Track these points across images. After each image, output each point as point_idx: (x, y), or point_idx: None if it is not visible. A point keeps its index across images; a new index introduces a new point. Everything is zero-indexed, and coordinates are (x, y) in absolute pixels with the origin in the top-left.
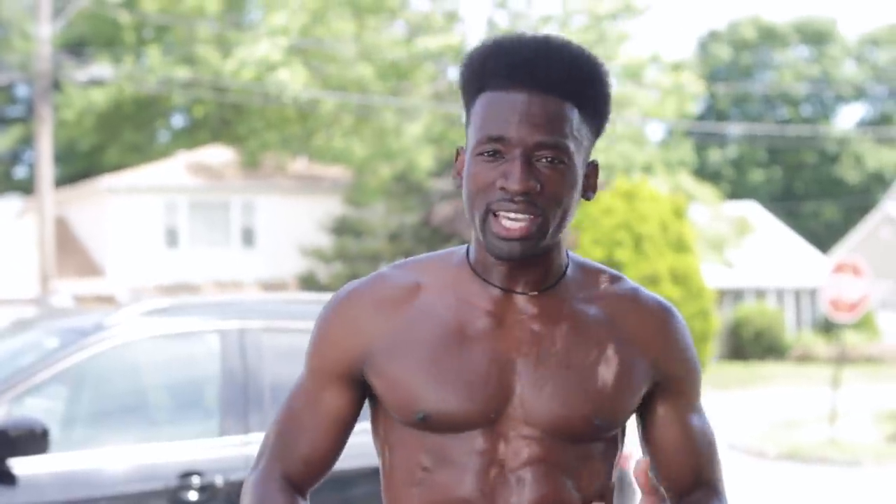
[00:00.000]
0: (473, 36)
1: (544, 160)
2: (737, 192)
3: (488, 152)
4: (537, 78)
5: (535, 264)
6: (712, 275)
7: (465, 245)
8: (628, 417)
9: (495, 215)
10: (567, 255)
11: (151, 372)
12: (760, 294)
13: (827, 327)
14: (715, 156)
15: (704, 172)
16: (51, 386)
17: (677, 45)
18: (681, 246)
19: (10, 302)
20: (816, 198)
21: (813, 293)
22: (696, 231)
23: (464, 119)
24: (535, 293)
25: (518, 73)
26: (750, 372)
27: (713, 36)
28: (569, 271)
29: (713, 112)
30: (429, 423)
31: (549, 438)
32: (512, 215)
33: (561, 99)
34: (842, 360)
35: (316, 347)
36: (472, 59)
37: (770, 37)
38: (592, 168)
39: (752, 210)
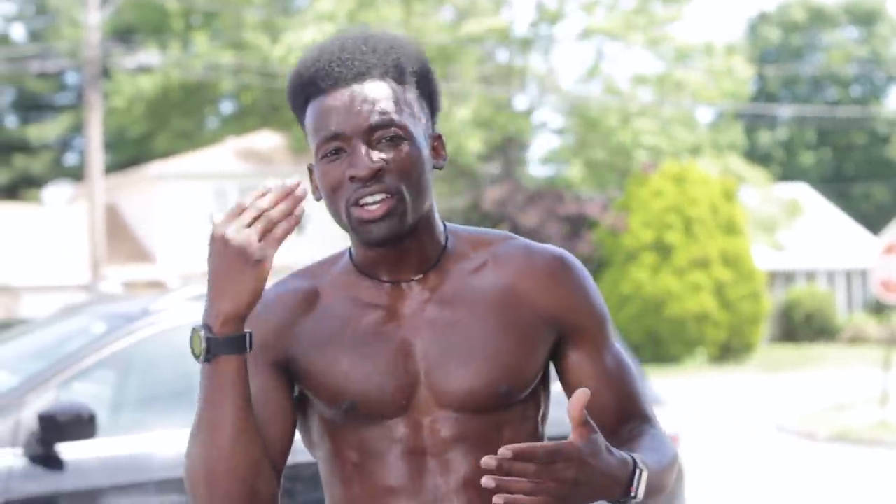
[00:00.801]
0: (521, 19)
1: (384, 141)
2: (787, 173)
3: (331, 152)
4: (348, 70)
5: (410, 248)
6: (763, 257)
7: (348, 248)
8: (536, 377)
9: (357, 205)
10: (445, 228)
11: None
12: (811, 276)
13: (878, 309)
14: (765, 138)
15: (754, 155)
16: (98, 371)
17: (727, 27)
18: (731, 228)
19: (62, 288)
20: (867, 179)
21: (864, 274)
22: (747, 213)
23: (306, 139)
24: (420, 276)
25: (330, 74)
26: (800, 354)
27: (763, 18)
28: (450, 245)
29: (763, 94)
30: (353, 414)
31: (462, 415)
32: (370, 199)
33: (378, 81)
34: (893, 341)
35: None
36: (290, 80)
37: (819, 18)
38: (437, 138)
39: (802, 192)
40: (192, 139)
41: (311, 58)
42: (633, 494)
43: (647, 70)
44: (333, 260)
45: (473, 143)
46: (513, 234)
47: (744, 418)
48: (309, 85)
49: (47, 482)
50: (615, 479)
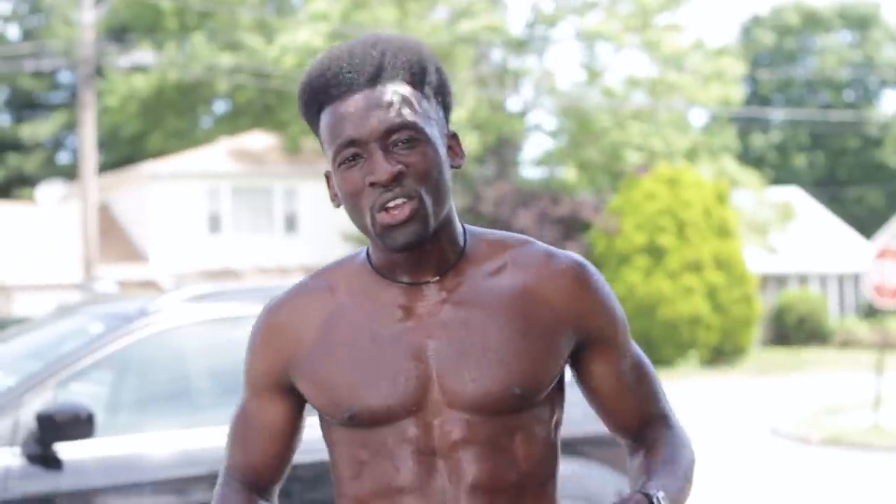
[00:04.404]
0: (516, 19)
1: (400, 143)
2: (780, 177)
3: (348, 158)
4: (359, 75)
5: (430, 250)
6: (755, 260)
7: (364, 248)
8: (552, 381)
9: (380, 210)
10: (464, 230)
11: (195, 357)
12: (804, 279)
13: (870, 313)
14: (758, 141)
15: (747, 158)
16: (96, 371)
17: (720, 30)
18: (724, 231)
19: (54, 287)
20: (859, 183)
21: (856, 278)
22: (740, 216)
23: (321, 146)
24: (438, 278)
25: (342, 80)
26: (793, 357)
27: (756, 21)
28: (469, 247)
29: (756, 97)
30: (356, 421)
31: (474, 418)
32: (391, 204)
33: (390, 83)
34: (885, 345)
35: (248, 362)
36: (301, 90)
37: (813, 22)
38: (453, 138)
39: (795, 195)
40: (185, 139)
41: (320, 66)
42: None
43: (641, 73)
44: (351, 259)
45: (469, 145)
46: (531, 239)
47: (737, 422)
48: (321, 93)
49: (45, 482)
50: None
